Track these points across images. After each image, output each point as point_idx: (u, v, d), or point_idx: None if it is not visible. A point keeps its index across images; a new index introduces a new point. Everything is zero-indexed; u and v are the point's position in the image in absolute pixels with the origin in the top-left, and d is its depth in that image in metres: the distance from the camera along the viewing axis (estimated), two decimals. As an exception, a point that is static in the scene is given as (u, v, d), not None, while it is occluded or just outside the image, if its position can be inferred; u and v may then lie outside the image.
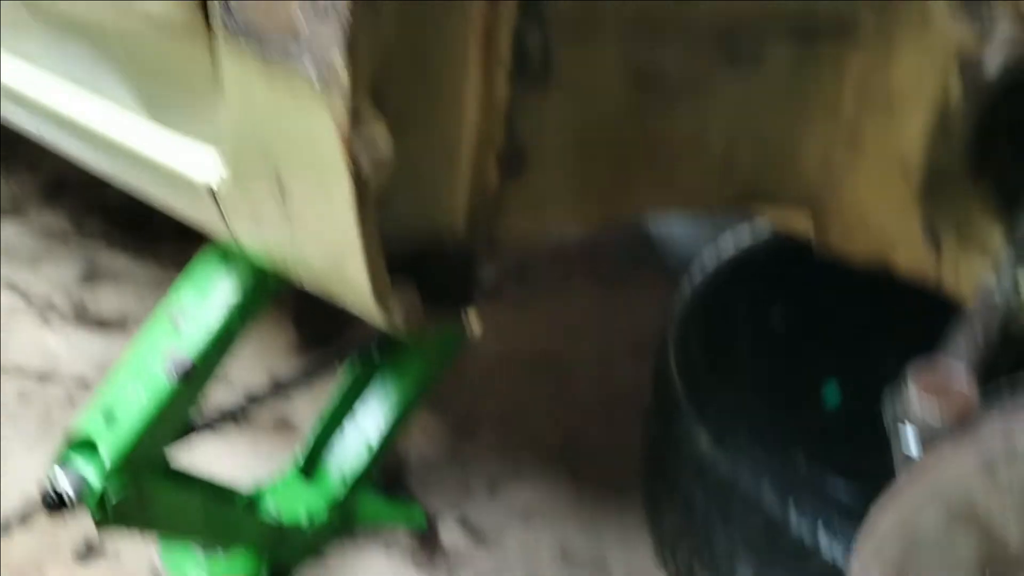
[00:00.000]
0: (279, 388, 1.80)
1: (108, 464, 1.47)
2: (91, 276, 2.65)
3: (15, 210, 2.87)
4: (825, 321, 1.90)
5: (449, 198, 1.22)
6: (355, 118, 0.92)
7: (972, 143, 1.43)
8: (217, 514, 1.70)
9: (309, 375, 1.84)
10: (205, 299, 1.53)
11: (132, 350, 1.55)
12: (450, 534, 1.97)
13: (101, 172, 1.42)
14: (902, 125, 1.43)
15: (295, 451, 1.94)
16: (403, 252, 1.18)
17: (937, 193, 1.48)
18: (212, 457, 2.06)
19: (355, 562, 1.89)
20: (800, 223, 1.66)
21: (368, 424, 1.95)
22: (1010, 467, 0.84)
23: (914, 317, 1.60)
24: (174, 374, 1.49)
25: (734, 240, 2.14)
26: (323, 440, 1.96)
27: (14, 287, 2.56)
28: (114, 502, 1.47)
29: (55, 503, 1.46)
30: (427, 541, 1.95)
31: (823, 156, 1.51)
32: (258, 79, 0.97)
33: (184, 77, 1.12)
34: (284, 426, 2.21)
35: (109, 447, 1.48)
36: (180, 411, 1.54)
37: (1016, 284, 1.24)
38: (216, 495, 1.74)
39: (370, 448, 1.91)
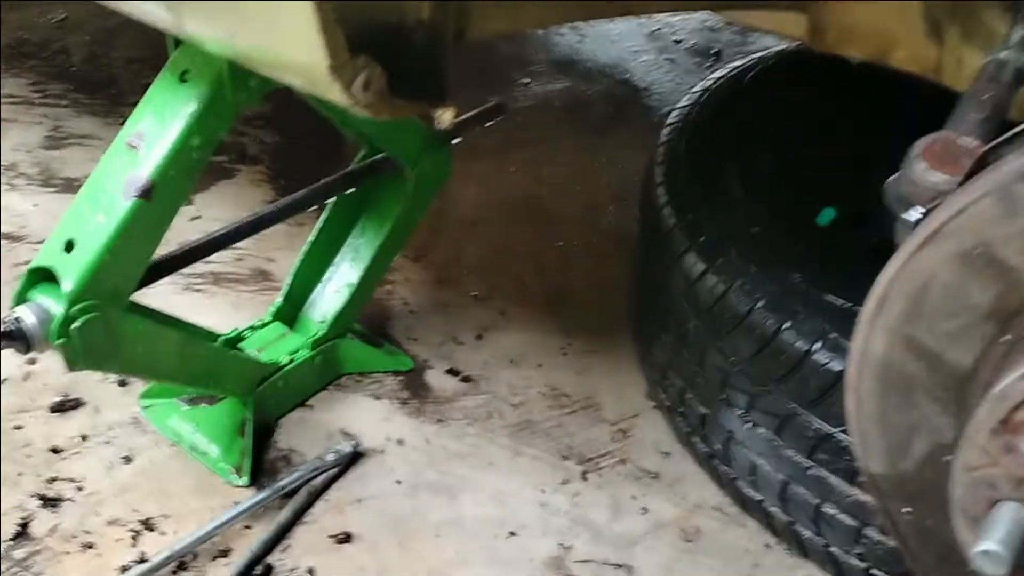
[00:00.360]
0: (247, 228, 1.72)
1: (70, 289, 1.39)
2: (57, 140, 2.54)
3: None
4: (818, 150, 1.83)
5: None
6: None
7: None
8: (193, 350, 1.63)
9: (281, 213, 1.75)
10: (161, 120, 1.44)
11: (89, 181, 1.46)
12: (439, 379, 1.92)
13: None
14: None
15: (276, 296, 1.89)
16: (365, 30, 1.09)
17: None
18: (193, 311, 1.99)
19: (343, 409, 1.84)
20: (795, 27, 1.57)
21: (346, 266, 1.88)
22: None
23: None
24: (132, 194, 1.41)
25: (721, 75, 2.05)
26: (301, 284, 1.89)
27: (-23, 153, 2.46)
28: (76, 325, 1.40)
29: (19, 337, 1.39)
30: (416, 386, 1.90)
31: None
32: None
33: None
34: (264, 278, 2.14)
35: (70, 274, 1.40)
36: (145, 234, 1.45)
37: None
38: (191, 331, 1.68)
39: (349, 287, 1.85)
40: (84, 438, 1.74)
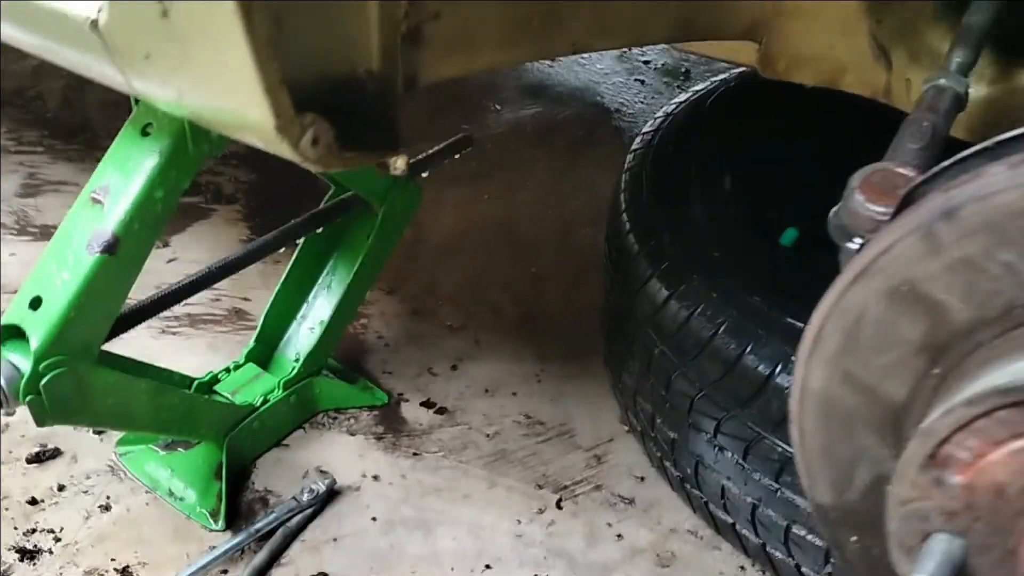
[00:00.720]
0: (217, 273, 1.73)
1: (36, 346, 1.41)
2: (33, 187, 2.56)
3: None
4: (781, 170, 1.85)
5: (358, 27, 1.13)
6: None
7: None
8: (165, 399, 1.64)
9: (250, 256, 1.77)
10: (125, 174, 1.46)
11: (56, 236, 1.48)
12: (414, 411, 1.93)
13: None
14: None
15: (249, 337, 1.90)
16: (314, 85, 1.11)
17: (884, 7, 1.41)
18: (170, 355, 2.01)
19: (318, 447, 1.85)
20: (747, 56, 1.60)
21: (318, 304, 1.89)
22: (949, 226, 0.79)
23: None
24: (96, 249, 1.42)
25: (686, 99, 2.07)
26: (274, 324, 1.91)
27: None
28: (45, 382, 1.41)
29: (-16, 393, 1.41)
30: (391, 421, 1.91)
31: (762, -24, 1.44)
32: None
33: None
34: (240, 317, 2.16)
35: (37, 331, 1.41)
36: (111, 289, 1.47)
37: (963, 69, 1.18)
38: (164, 378, 1.69)
39: (321, 325, 1.86)
40: (62, 488, 1.75)
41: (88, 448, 1.83)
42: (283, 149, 1.06)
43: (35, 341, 1.41)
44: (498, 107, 2.92)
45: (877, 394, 0.88)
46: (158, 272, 2.23)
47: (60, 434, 1.83)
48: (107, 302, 1.48)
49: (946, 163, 0.88)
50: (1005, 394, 0.73)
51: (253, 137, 1.12)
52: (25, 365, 1.41)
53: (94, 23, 1.08)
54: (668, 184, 1.82)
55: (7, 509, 1.71)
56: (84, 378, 1.47)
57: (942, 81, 1.15)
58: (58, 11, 1.12)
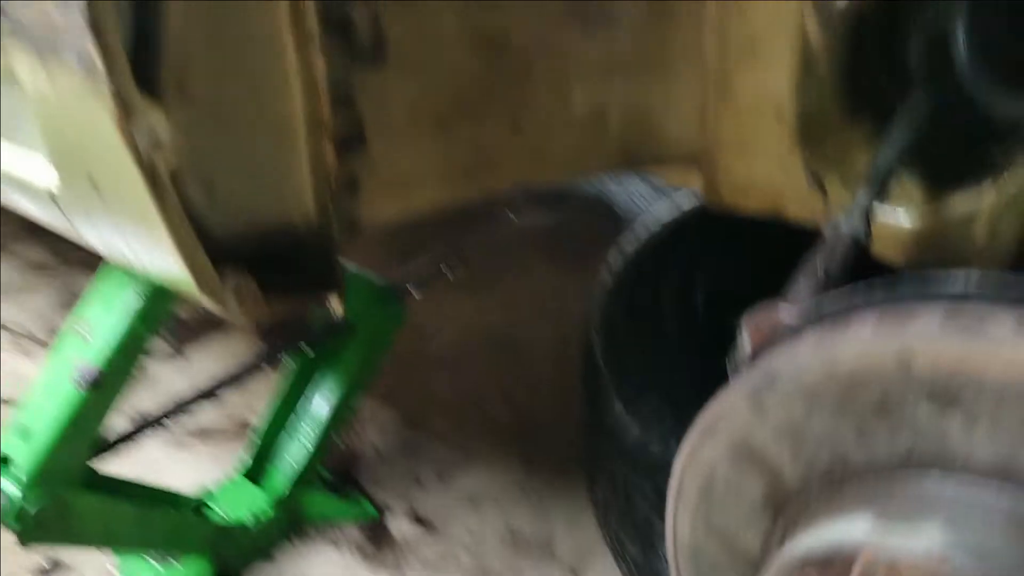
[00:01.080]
0: (210, 392, 1.84)
1: (24, 477, 1.51)
2: (71, 304, 2.71)
3: (1, 247, 2.96)
4: (747, 290, 1.88)
5: (291, 181, 1.23)
6: (124, 103, 0.94)
7: (843, 80, 1.41)
8: (151, 520, 1.73)
9: (241, 375, 1.87)
10: (109, 309, 1.58)
11: (44, 367, 1.60)
12: (399, 525, 1.98)
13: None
14: (768, 68, 1.41)
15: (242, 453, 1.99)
16: (249, 238, 1.20)
17: (815, 136, 1.45)
18: (174, 467, 2.11)
19: (304, 561, 1.91)
20: (696, 181, 1.65)
21: (307, 420, 1.97)
22: (771, 394, 0.83)
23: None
24: (82, 383, 1.53)
25: (661, 213, 2.12)
26: (267, 440, 1.99)
27: (-5, 321, 2.65)
28: (32, 513, 1.51)
29: (-23, 518, 1.51)
30: (376, 534, 1.97)
31: (697, 110, 1.50)
32: (44, 78, 1.00)
33: (6, 90, 1.15)
34: (246, 430, 2.25)
35: (25, 461, 1.53)
36: (94, 419, 1.57)
37: (867, 213, 1.22)
38: (153, 501, 1.78)
39: (309, 440, 1.94)
40: (62, 601, 1.84)
41: (91, 562, 1.92)
42: (208, 304, 1.15)
43: (22, 471, 1.52)
44: (512, 216, 3.01)
45: (736, 546, 0.92)
46: (171, 382, 2.36)
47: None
48: (90, 431, 1.59)
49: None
50: (807, 559, 0.76)
51: (182, 292, 1.22)
52: (12, 491, 1.52)
53: (51, 193, 1.20)
54: (638, 299, 1.87)
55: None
56: (69, 503, 1.58)
57: (841, 224, 1.19)
58: (26, 181, 1.24)
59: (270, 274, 1.23)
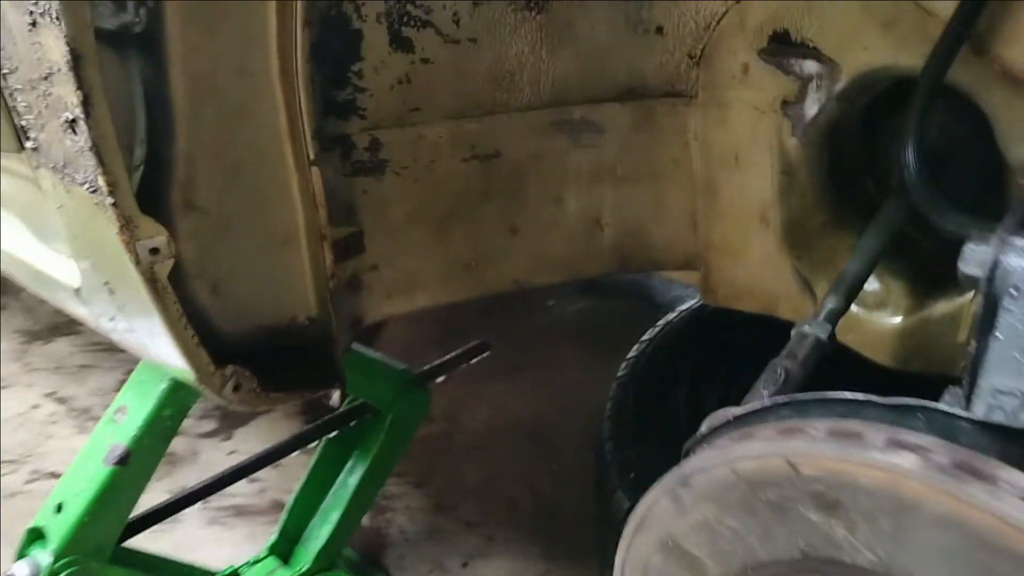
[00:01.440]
0: (242, 471, 1.94)
1: (54, 547, 1.63)
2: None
3: (70, 328, 3.16)
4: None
5: (293, 283, 1.33)
6: (128, 222, 1.06)
7: (827, 186, 1.48)
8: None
9: (270, 456, 1.97)
10: (140, 394, 1.70)
11: (83, 448, 1.72)
12: (420, 611, 2.04)
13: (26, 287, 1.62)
14: (751, 176, 1.49)
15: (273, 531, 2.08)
16: (252, 334, 1.31)
17: (801, 241, 1.51)
18: (210, 544, 2.21)
19: (327, 641, 1.98)
20: (693, 282, 1.71)
21: (333, 501, 2.05)
22: (687, 492, 0.88)
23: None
24: (110, 461, 1.65)
25: (686, 308, 2.18)
26: (296, 518, 2.08)
27: (58, 398, 2.82)
28: (60, 579, 1.62)
29: (12, 587, 1.63)
30: (397, 619, 2.03)
31: (687, 215, 1.58)
32: (69, 201, 1.13)
33: (45, 209, 1.29)
34: (281, 510, 2.34)
35: (57, 535, 1.64)
36: (124, 495, 1.68)
37: (832, 317, 1.26)
38: (181, 574, 1.88)
39: (334, 522, 2.02)
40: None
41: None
42: (208, 395, 1.26)
43: (53, 543, 1.64)
44: (550, 303, 3.10)
45: None
46: (218, 464, 2.47)
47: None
48: (119, 508, 1.70)
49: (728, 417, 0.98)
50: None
51: (186, 380, 1.32)
52: (45, 564, 1.64)
53: (77, 290, 1.33)
54: (649, 390, 1.92)
55: None
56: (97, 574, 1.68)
57: (805, 328, 1.24)
58: (60, 281, 1.38)
59: (273, 369, 1.33)
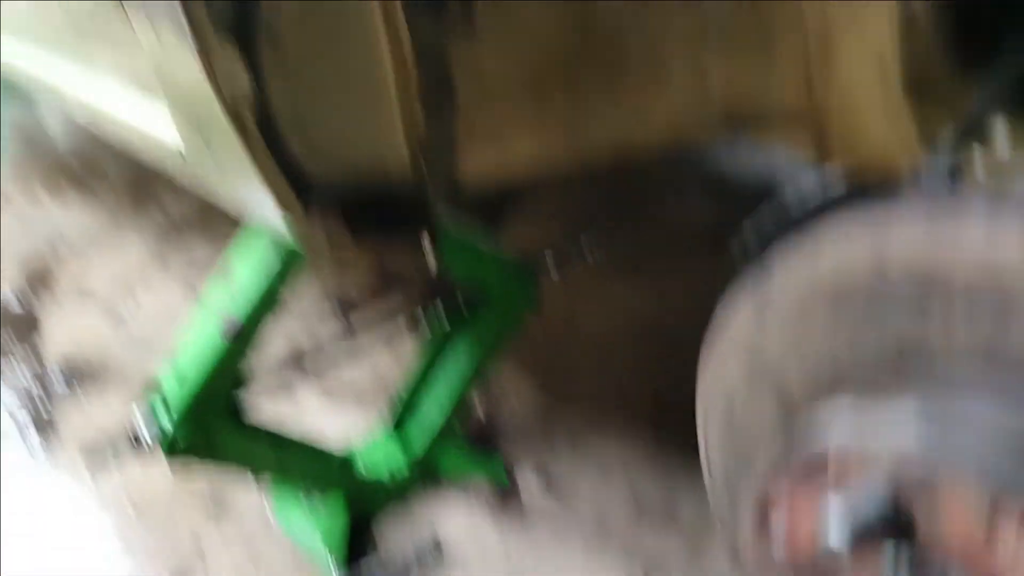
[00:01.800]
0: (349, 333, 1.99)
1: (175, 414, 1.71)
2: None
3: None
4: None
5: (384, 136, 1.31)
6: (208, 56, 1.07)
7: (953, 32, 1.37)
8: (289, 459, 1.90)
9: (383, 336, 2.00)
10: (250, 268, 1.74)
11: (196, 316, 1.79)
12: (528, 485, 2.05)
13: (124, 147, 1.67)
14: (868, 24, 1.39)
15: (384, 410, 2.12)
16: (346, 182, 1.31)
17: (924, 91, 1.41)
18: (320, 415, 2.28)
19: (436, 512, 2.02)
20: (804, 145, 1.62)
21: (442, 385, 2.07)
22: (770, 309, 0.84)
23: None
24: (226, 335, 1.71)
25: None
26: (406, 400, 2.11)
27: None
28: (183, 446, 1.71)
29: (137, 444, 1.72)
30: (505, 492, 2.04)
31: (801, 70, 1.48)
32: (155, 39, 1.15)
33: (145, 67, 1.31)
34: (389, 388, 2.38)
35: (177, 400, 1.72)
36: (234, 364, 1.75)
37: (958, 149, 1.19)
38: (294, 447, 1.94)
39: (444, 404, 2.04)
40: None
41: (249, 504, 2.12)
42: (300, 244, 1.27)
43: (174, 405, 1.72)
44: (673, 200, 3.00)
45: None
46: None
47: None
48: (232, 373, 1.77)
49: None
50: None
51: (281, 233, 1.34)
52: (166, 424, 1.72)
53: (180, 152, 1.36)
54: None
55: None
56: (214, 435, 1.76)
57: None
58: (160, 141, 1.41)
59: (365, 218, 1.33)
